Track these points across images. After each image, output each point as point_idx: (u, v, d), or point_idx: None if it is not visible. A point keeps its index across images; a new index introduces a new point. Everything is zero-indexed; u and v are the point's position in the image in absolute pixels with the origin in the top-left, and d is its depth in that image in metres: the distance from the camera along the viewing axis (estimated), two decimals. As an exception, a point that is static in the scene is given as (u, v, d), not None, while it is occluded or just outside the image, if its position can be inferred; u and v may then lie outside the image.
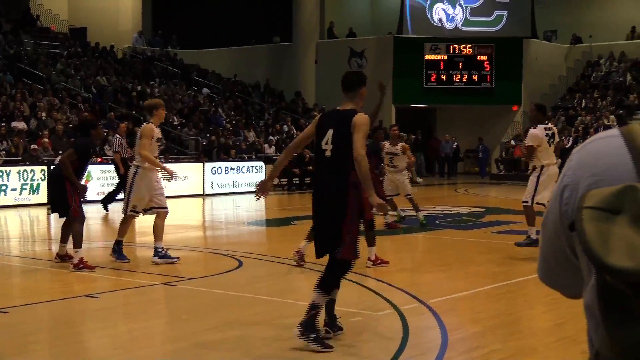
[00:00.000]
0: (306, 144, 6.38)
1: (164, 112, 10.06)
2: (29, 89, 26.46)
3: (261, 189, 6.51)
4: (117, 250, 9.98)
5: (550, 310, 7.60)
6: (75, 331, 6.71)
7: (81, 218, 9.56)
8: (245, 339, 6.44)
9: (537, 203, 10.78)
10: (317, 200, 6.14)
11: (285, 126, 31.97)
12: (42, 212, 17.87)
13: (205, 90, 34.52)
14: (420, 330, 6.89)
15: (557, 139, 11.43)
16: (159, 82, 33.30)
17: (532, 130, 11.11)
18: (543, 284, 1.61)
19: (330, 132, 6.06)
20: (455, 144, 33.92)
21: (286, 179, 25.62)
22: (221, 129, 28.69)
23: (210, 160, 24.81)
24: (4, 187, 18.28)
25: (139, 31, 40.48)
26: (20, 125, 22.48)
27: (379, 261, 9.87)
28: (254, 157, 27.01)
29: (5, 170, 18.43)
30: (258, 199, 6.58)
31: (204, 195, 22.96)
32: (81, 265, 9.30)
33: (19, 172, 18.69)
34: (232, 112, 32.47)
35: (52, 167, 10.27)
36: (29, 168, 18.96)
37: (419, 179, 30.17)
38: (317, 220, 6.18)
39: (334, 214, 5.99)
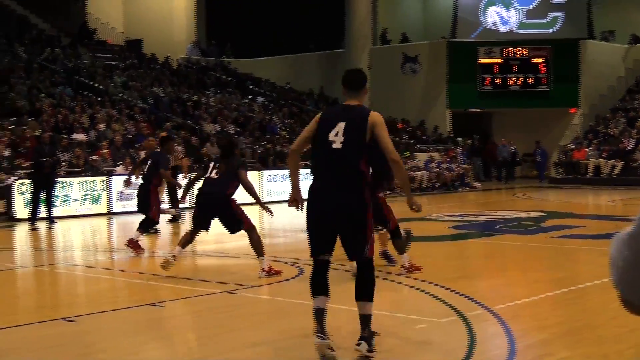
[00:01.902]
0: (309, 144, 6.19)
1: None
2: (88, 101, 26.92)
3: (297, 201, 6.28)
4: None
5: (620, 317, 7.41)
6: (139, 340, 6.77)
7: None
8: (306, 347, 6.41)
9: None
10: (327, 197, 5.83)
11: (340, 133, 31.94)
12: (103, 222, 18.14)
13: (259, 98, 34.71)
14: (487, 337, 6.78)
15: None
16: (213, 91, 33.60)
17: None
18: (616, 290, 1.54)
19: (341, 125, 5.83)
20: (513, 147, 33.52)
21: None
22: (276, 136, 28.81)
23: (267, 168, 24.92)
24: (66, 198, 18.60)
25: (193, 41, 40.92)
26: (81, 136, 22.87)
27: (413, 268, 9.73)
28: (309, 164, 26.96)
29: (68, 182, 18.78)
30: (299, 209, 6.30)
31: (261, 204, 22.98)
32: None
33: (80, 183, 19.03)
34: (287, 120, 32.59)
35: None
36: (90, 179, 19.31)
37: (476, 184, 29.91)
38: (333, 221, 5.87)
39: (356, 218, 5.83)
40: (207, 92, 33.15)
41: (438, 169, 28.98)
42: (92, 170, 20.56)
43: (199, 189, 9.92)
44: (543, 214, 18.50)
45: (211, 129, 27.89)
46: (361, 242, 5.91)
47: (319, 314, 5.95)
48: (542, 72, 33.90)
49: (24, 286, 10.40)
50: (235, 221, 9.76)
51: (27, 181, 17.88)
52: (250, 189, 9.80)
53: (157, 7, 41.18)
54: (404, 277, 9.47)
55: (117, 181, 18.71)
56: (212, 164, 9.95)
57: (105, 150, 21.28)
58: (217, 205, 9.68)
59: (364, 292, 5.99)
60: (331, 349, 5.82)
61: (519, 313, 7.80)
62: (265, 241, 15.32)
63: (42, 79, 27.86)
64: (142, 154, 17.73)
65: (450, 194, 27.27)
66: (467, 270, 10.87)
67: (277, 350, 6.49)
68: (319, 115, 6.16)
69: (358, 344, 5.87)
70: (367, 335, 5.91)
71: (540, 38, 34.34)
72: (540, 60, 33.95)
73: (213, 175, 9.78)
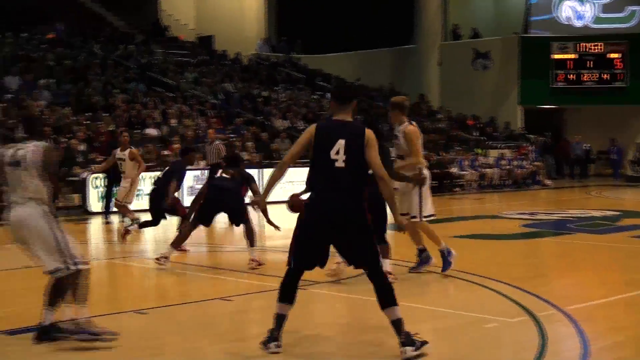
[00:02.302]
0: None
1: None
2: (160, 97, 27.31)
3: (256, 203, 6.99)
4: (423, 260, 9.69)
5: (699, 320, 7.19)
6: (208, 333, 6.82)
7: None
8: (372, 343, 6.38)
9: None
10: (332, 213, 5.90)
11: (409, 129, 31.75)
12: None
13: (329, 95, 34.69)
14: (559, 338, 6.63)
15: None
16: (283, 87, 33.74)
17: None
18: None
19: (341, 142, 5.90)
20: (587, 145, 32.81)
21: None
22: (346, 132, 28.74)
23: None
24: (139, 192, 18.88)
25: (263, 38, 41.18)
26: (153, 132, 23.23)
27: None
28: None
29: (140, 176, 19.03)
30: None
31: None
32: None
33: (152, 177, 19.28)
34: (357, 116, 32.48)
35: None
36: (161, 174, 19.53)
37: (548, 182, 29.38)
38: (335, 235, 5.96)
39: (362, 230, 5.95)
40: (277, 88, 33.31)
41: (509, 167, 28.58)
42: (163, 165, 20.83)
43: (210, 185, 10.69)
44: (618, 213, 18.05)
45: (281, 124, 28.02)
46: (368, 247, 5.98)
47: (281, 320, 6.07)
48: (619, 67, 33.11)
49: (97, 278, 10.58)
50: (241, 215, 10.48)
51: (101, 175, 18.24)
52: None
53: (229, 4, 41.56)
54: (473, 275, 9.35)
55: (188, 176, 18.92)
56: (217, 170, 11.19)
57: (176, 146, 21.55)
58: (231, 201, 10.40)
59: (387, 299, 5.98)
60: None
61: (593, 314, 7.62)
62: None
63: (116, 75, 28.38)
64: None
65: (522, 191, 26.85)
66: (538, 269, 10.67)
67: (344, 346, 6.47)
68: (312, 129, 6.05)
69: (403, 352, 5.81)
70: (404, 340, 5.86)
71: (617, 33, 33.53)
72: (616, 55, 33.18)
73: (224, 175, 10.64)
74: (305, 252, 6.11)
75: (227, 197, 10.41)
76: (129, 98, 25.99)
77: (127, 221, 14.26)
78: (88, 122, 22.99)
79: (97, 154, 20.27)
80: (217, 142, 19.67)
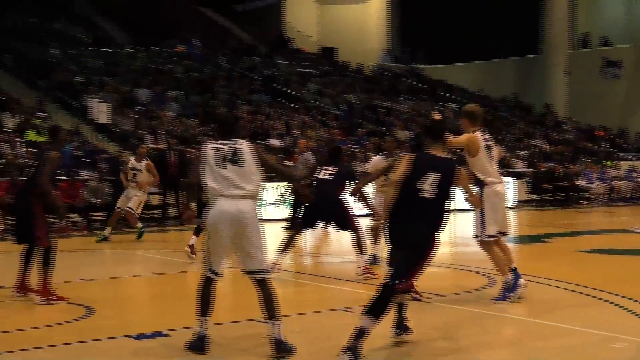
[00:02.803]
0: None
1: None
2: (283, 108, 27.71)
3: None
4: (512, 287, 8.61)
5: None
6: (329, 345, 6.82)
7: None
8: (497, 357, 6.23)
9: None
10: (410, 236, 6.31)
11: (535, 140, 31.06)
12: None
13: (452, 105, 34.38)
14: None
15: None
16: (405, 98, 33.63)
17: None
18: None
19: (432, 176, 6.28)
20: None
21: (538, 195, 24.87)
22: (468, 144, 28.37)
23: (458, 175, 24.60)
24: (261, 202, 19.25)
25: (386, 48, 41.20)
26: (276, 142, 23.57)
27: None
28: (503, 172, 26.42)
29: (262, 185, 19.40)
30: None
31: (454, 211, 22.81)
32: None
33: (273, 187, 19.64)
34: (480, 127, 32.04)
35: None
36: (282, 183, 19.85)
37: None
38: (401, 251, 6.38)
39: (422, 252, 6.31)
40: (399, 98, 33.23)
41: (641, 179, 27.52)
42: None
43: (315, 191, 10.31)
44: None
45: (403, 135, 27.91)
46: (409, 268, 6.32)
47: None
48: None
49: (223, 286, 10.79)
50: (346, 219, 10.39)
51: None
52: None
53: (352, 16, 41.82)
54: (602, 292, 8.99)
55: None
56: (320, 167, 10.59)
57: (298, 156, 21.76)
58: (331, 206, 10.34)
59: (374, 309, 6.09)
60: None
61: None
62: (453, 250, 15.14)
63: (241, 87, 28.99)
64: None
65: (654, 205, 25.74)
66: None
67: (465, 362, 6.35)
68: (410, 158, 6.42)
69: None
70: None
71: None
72: None
73: (325, 176, 10.40)
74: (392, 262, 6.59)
75: (332, 207, 10.40)
76: (253, 109, 26.49)
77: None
78: (214, 133, 23.56)
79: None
80: (307, 152, 19.59)
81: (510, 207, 24.27)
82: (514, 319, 7.79)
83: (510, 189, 24.10)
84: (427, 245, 6.30)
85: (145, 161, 15.27)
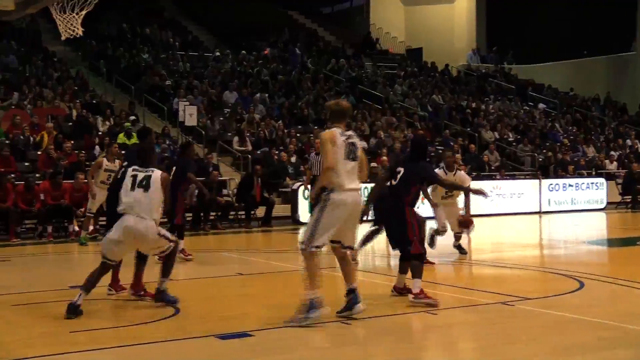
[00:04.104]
0: None
1: None
2: (369, 109, 27.66)
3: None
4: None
5: None
6: (413, 347, 6.77)
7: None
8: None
9: None
10: None
11: (628, 141, 30.20)
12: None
13: (541, 105, 33.74)
14: None
15: None
16: (493, 98, 33.16)
17: None
18: None
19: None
20: None
21: (631, 196, 24.15)
22: (558, 144, 27.80)
23: (547, 177, 24.13)
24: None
25: (473, 48, 40.72)
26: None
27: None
28: (594, 173, 25.81)
29: (367, 187, 19.36)
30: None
31: (540, 213, 22.40)
32: (421, 296, 8.31)
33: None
34: (570, 127, 31.34)
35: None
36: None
37: None
38: None
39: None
40: (487, 99, 32.80)
41: None
42: (370, 177, 21.05)
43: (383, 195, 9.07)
44: None
45: (490, 136, 27.51)
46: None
47: None
48: None
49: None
50: (403, 237, 8.47)
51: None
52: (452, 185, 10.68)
53: (439, 16, 41.48)
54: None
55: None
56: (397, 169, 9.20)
57: (384, 158, 21.71)
58: (392, 222, 8.82)
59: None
60: None
61: None
62: (544, 252, 14.83)
63: (327, 89, 29.07)
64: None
65: None
66: None
67: None
68: None
69: None
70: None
71: None
72: None
73: (394, 182, 9.02)
74: None
75: (389, 218, 9.07)
76: (338, 111, 26.52)
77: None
78: (299, 134, 23.70)
79: (307, 166, 20.79)
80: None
81: (601, 209, 23.66)
82: (606, 324, 7.52)
83: (602, 190, 23.63)
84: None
85: (118, 161, 13.95)
